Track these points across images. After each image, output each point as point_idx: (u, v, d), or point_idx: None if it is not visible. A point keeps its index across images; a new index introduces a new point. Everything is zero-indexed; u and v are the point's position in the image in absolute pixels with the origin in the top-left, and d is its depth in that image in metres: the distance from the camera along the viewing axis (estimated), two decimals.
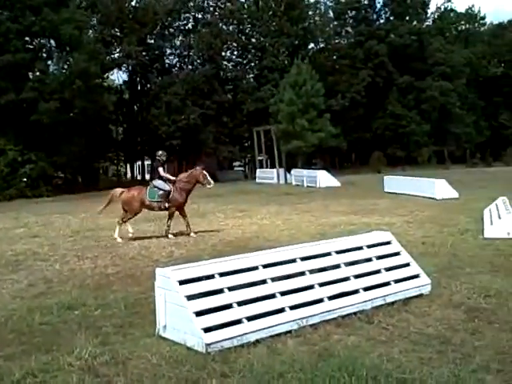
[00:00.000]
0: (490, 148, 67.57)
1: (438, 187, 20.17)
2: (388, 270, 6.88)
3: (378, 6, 66.32)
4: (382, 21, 66.69)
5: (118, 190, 13.40)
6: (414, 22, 64.78)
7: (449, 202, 18.51)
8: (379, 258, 6.97)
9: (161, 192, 12.94)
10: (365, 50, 60.37)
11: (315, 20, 60.71)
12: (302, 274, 6.27)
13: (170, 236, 12.76)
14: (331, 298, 6.14)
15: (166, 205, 12.98)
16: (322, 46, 62.72)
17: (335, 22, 65.31)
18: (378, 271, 6.79)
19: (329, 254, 6.68)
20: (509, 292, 6.83)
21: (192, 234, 12.86)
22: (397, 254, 7.21)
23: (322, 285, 6.23)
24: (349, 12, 65.50)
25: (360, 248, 7.00)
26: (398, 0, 63.40)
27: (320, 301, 6.06)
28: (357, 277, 6.55)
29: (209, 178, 13.37)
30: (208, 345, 5.13)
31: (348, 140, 54.94)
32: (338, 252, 6.74)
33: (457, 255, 9.40)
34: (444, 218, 14.41)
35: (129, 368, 4.87)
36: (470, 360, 4.78)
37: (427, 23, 69.10)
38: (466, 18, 77.32)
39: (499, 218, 11.42)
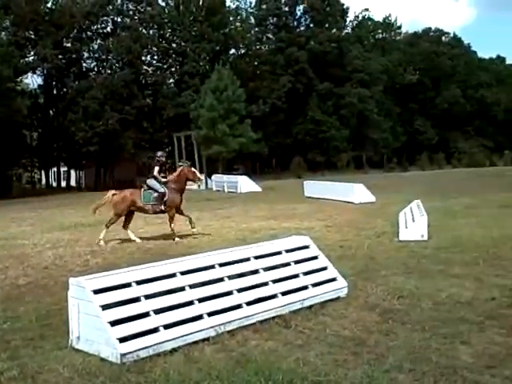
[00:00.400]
0: (406, 153, 70.11)
1: (357, 192, 20.70)
2: (306, 274, 6.97)
3: (299, 13, 67.79)
4: (302, 28, 68.10)
5: (112, 192, 13.09)
6: (334, 30, 66.55)
7: (366, 206, 19.02)
8: (297, 262, 7.06)
9: (155, 194, 12.75)
10: (285, 56, 61.38)
11: (236, 26, 61.19)
12: (221, 280, 6.25)
13: (176, 239, 12.57)
14: (249, 303, 6.15)
15: (162, 207, 12.78)
16: (243, 51, 63.30)
17: (256, 29, 66.11)
18: (296, 275, 6.87)
19: (247, 259, 6.70)
20: (421, 293, 7.07)
21: (194, 230, 12.93)
22: (315, 258, 7.33)
23: (240, 290, 6.23)
24: (270, 18, 66.46)
25: (279, 253, 7.06)
26: (318, 8, 64.81)
27: (238, 307, 6.06)
28: (275, 281, 6.60)
29: (198, 174, 13.34)
30: (123, 355, 5.02)
31: (269, 145, 55.61)
32: (256, 257, 6.77)
33: (373, 258, 9.65)
34: (361, 221, 14.79)
35: (38, 382, 4.69)
36: (384, 360, 4.91)
37: (346, 31, 71.25)
38: (383, 26, 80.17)
39: (413, 221, 11.83)
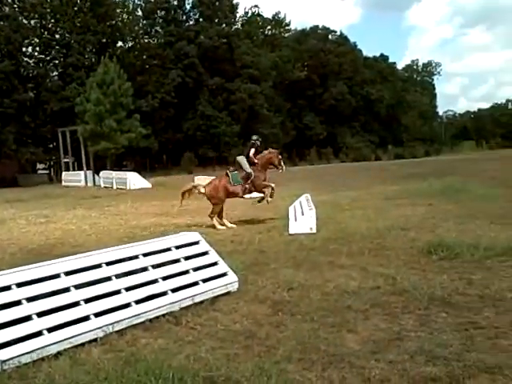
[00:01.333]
0: (295, 148, 71.79)
1: None
2: (196, 269, 6.96)
3: (188, 7, 67.27)
4: (191, 22, 67.66)
5: (201, 185, 13.71)
6: (223, 25, 66.61)
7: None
8: (187, 258, 7.04)
9: (243, 173, 13.38)
10: (175, 50, 60.88)
11: (123, 18, 59.83)
12: (108, 279, 6.11)
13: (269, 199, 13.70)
14: (139, 301, 6.06)
15: (247, 186, 13.44)
16: (130, 44, 62.05)
17: (144, 21, 64.98)
18: (186, 272, 6.84)
19: (136, 257, 6.59)
20: (310, 284, 7.27)
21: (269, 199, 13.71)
22: (205, 253, 7.33)
23: (128, 289, 6.12)
24: (158, 12, 65.55)
25: (168, 249, 7.00)
26: (207, 2, 64.75)
27: (127, 305, 5.95)
28: (165, 279, 6.54)
29: (282, 162, 14.14)
30: (3, 362, 4.79)
31: (159, 141, 55.03)
32: (145, 255, 6.67)
33: (264, 252, 9.81)
34: (253, 215, 14.96)
35: None
36: (274, 352, 5.00)
37: (236, 27, 71.49)
38: (273, 23, 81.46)
39: (302, 214, 12.14)
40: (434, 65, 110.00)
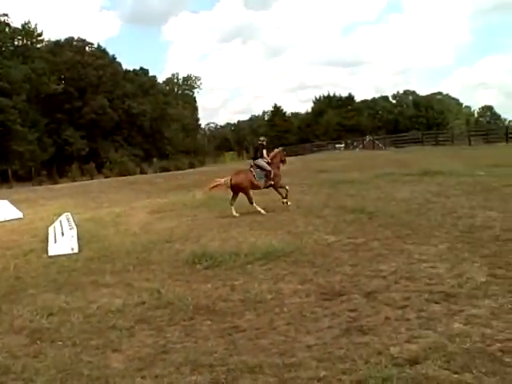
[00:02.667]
0: (56, 164, 68.93)
1: (0, 208, 19.52)
2: None
3: None
4: None
5: (227, 178, 15.21)
6: None
7: (13, 222, 18.07)
8: None
9: (264, 172, 15.19)
10: None
11: None
12: None
13: (287, 202, 15.14)
14: None
15: (272, 182, 15.30)
16: None
17: None
18: None
19: None
20: (72, 307, 7.00)
21: (288, 202, 15.16)
22: None
23: None
24: None
25: None
26: None
27: None
28: None
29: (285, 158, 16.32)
30: None
31: None
32: None
33: (20, 278, 9.23)
34: (7, 240, 14.00)
35: None
36: None
37: None
38: (23, 33, 77.21)
39: (62, 234, 11.67)
40: (193, 78, 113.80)
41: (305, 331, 5.61)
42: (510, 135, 43.68)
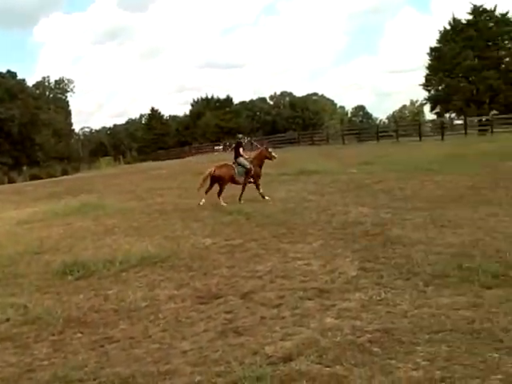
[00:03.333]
0: None
1: None
2: None
3: None
4: None
5: (213, 168, 15.77)
6: None
7: None
8: None
9: (244, 169, 15.79)
10: None
11: None
12: None
13: (266, 198, 15.41)
14: None
15: (251, 180, 15.90)
16: None
17: None
18: None
19: None
20: None
21: (267, 198, 15.43)
22: None
23: None
24: None
25: None
26: None
27: None
28: None
29: (273, 153, 16.58)
30: None
31: None
32: None
33: None
34: None
35: None
36: None
37: None
38: None
39: None
40: (66, 81, 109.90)
41: (180, 337, 5.57)
42: (380, 134, 46.15)
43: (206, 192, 15.65)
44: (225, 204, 15.10)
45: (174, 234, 11.38)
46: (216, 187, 15.81)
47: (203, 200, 15.37)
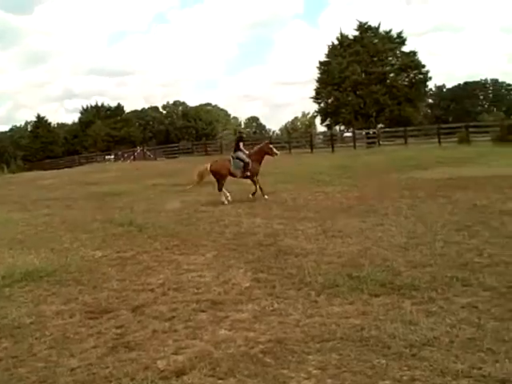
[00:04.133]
0: None
1: None
2: None
3: None
4: None
5: (207, 165, 16.35)
6: None
7: None
8: None
9: (242, 163, 16.05)
10: None
11: None
12: None
13: (266, 196, 15.72)
14: None
15: (248, 174, 16.10)
16: None
17: None
18: None
19: None
20: None
21: (266, 196, 15.71)
22: None
23: None
24: None
25: None
26: None
27: None
28: None
29: (274, 149, 16.88)
30: None
31: None
32: None
33: None
34: None
35: None
36: None
37: None
38: None
39: None
40: None
41: (68, 354, 5.38)
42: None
43: (223, 190, 15.90)
44: (226, 202, 15.47)
45: (61, 246, 11.01)
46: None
47: (228, 196, 15.75)
